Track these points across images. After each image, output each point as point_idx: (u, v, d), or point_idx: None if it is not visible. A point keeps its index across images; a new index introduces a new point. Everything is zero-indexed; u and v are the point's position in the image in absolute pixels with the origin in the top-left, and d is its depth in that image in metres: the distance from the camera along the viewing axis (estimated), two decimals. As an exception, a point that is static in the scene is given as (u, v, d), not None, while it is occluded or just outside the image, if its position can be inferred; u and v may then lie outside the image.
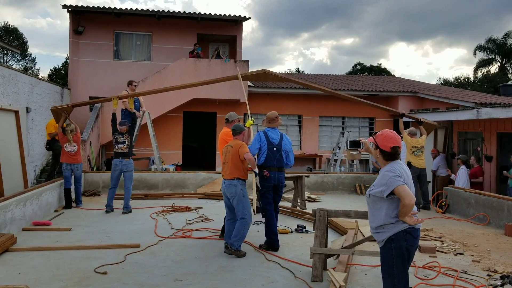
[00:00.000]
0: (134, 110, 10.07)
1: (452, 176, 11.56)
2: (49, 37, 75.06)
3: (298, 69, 53.31)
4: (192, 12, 17.38)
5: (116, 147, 8.92)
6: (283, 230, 7.28)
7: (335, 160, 15.63)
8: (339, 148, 15.88)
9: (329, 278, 4.80)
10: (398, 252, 3.32)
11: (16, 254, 5.81)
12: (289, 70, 51.68)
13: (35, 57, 49.08)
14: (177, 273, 5.19)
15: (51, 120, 10.12)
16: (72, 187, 9.42)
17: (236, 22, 18.11)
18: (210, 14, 17.34)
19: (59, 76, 30.30)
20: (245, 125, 6.70)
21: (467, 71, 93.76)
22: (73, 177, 9.39)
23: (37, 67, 39.69)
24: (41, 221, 7.70)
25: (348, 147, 3.89)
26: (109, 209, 8.86)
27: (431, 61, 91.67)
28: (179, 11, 17.34)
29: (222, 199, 10.59)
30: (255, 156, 6.35)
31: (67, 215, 8.60)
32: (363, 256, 5.68)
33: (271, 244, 6.25)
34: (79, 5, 16.48)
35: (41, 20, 78.76)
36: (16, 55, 36.28)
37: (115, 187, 9.03)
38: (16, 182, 10.74)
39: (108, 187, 9.54)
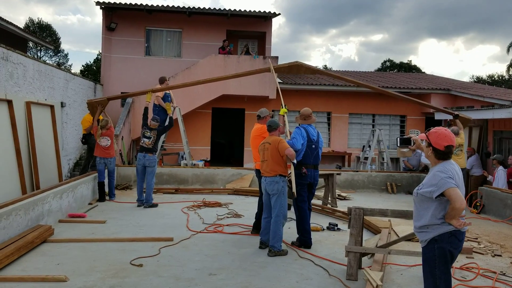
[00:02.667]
0: (171, 115, 10.24)
1: (490, 177, 11.25)
2: (79, 34, 76.74)
3: (325, 65, 52.95)
4: (222, 9, 17.42)
5: (142, 141, 9.07)
6: (315, 228, 7.23)
7: (366, 158, 15.42)
8: (369, 147, 15.65)
9: (365, 277, 4.73)
10: (440, 253, 3.23)
11: (54, 245, 5.95)
12: (316, 66, 51.36)
13: (67, 53, 50.22)
14: (211, 267, 5.22)
15: (86, 115, 10.34)
16: (106, 181, 9.60)
17: (265, 18, 18.06)
18: (240, 10, 17.35)
19: (90, 72, 30.94)
20: (279, 113, 6.74)
21: (500, 69, 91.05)
22: (106, 170, 9.57)
23: (69, 63, 40.49)
24: (77, 213, 7.87)
25: (399, 145, 3.80)
26: (140, 202, 9.01)
27: (463, 58, 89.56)
28: (209, 8, 17.42)
29: (251, 195, 10.76)
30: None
31: (101, 208, 8.77)
32: (398, 256, 5.60)
33: (304, 241, 6.21)
34: (112, 2, 16.69)
35: (72, 17, 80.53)
36: (49, 51, 37.19)
37: (142, 181, 9.17)
38: (51, 175, 11.00)
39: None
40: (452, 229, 3.22)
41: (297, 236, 6.36)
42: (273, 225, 5.86)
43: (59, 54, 38.59)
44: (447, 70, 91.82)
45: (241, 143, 19.08)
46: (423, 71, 42.14)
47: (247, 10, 17.43)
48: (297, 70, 9.10)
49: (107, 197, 9.56)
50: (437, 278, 3.22)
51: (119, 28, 17.65)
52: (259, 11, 17.53)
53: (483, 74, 55.46)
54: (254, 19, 18.21)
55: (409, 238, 5.74)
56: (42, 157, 10.40)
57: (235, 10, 17.32)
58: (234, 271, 5.10)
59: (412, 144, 3.73)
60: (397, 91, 17.85)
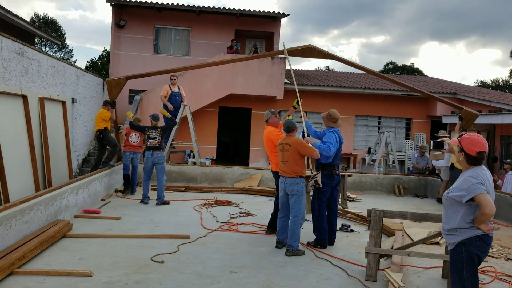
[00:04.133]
0: (170, 116, 10.43)
1: (499, 182, 11.33)
2: (81, 29, 76.59)
3: (327, 66, 52.83)
4: (231, 8, 17.49)
5: (148, 142, 9.22)
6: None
7: (373, 160, 15.50)
8: (377, 148, 15.74)
9: (385, 278, 4.81)
10: (468, 256, 3.30)
11: (73, 240, 6.02)
12: (318, 67, 51.30)
13: (72, 49, 50.23)
14: (231, 265, 5.29)
15: (102, 111, 10.34)
16: None
17: (274, 18, 18.14)
18: (249, 10, 17.43)
19: (95, 68, 30.97)
20: (293, 105, 7.08)
21: (501, 73, 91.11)
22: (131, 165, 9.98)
23: (73, 58, 40.54)
24: (92, 209, 7.95)
25: (432, 148, 3.87)
26: (147, 200, 9.09)
27: (464, 61, 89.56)
28: (218, 7, 17.49)
29: (261, 195, 10.85)
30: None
31: (114, 204, 8.85)
32: (413, 258, 5.67)
33: (321, 240, 6.30)
34: (122, -1, 16.79)
35: (74, 12, 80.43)
36: (54, 47, 37.23)
37: (149, 179, 9.27)
38: (62, 171, 11.07)
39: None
40: (480, 233, 3.29)
41: (314, 236, 6.44)
42: (292, 225, 5.93)
43: (63, 50, 38.64)
44: (448, 73, 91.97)
45: (247, 142, 19.17)
46: (424, 74, 42.25)
47: (257, 10, 17.50)
48: (310, 53, 9.20)
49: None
50: (464, 280, 3.29)
51: (128, 26, 17.72)
52: (268, 11, 17.61)
53: (487, 78, 55.50)
54: (262, 19, 18.28)
55: (428, 240, 5.80)
56: (53, 153, 10.47)
57: (244, 10, 17.40)
58: (254, 269, 5.17)
59: (445, 148, 3.79)
60: (404, 94, 17.98)
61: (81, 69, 14.01)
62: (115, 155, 10.59)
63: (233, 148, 22.75)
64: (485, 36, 79.02)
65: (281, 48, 9.53)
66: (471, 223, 3.30)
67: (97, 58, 34.26)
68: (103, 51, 35.06)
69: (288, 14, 17.85)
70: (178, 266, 5.15)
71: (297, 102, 7.19)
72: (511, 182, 10.29)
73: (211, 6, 17.43)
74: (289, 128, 6.19)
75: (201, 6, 17.41)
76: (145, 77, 16.98)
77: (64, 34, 38.61)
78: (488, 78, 54.40)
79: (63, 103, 11.54)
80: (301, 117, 7.04)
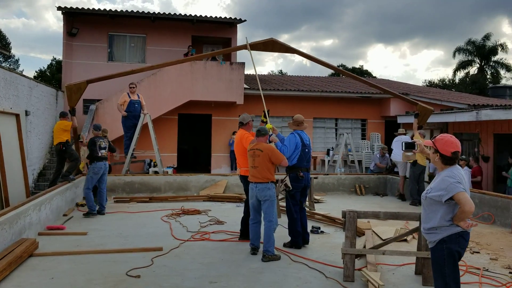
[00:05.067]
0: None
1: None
2: (24, 38, 73.53)
3: (281, 70, 53.38)
4: (187, 14, 17.37)
5: (100, 153, 9.00)
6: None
7: (334, 161, 15.82)
8: (332, 149, 16.09)
9: (363, 278, 4.93)
10: (449, 253, 3.44)
11: (42, 259, 5.77)
12: (271, 71, 51.63)
13: (18, 58, 48.12)
14: (209, 275, 5.24)
15: (60, 123, 9.95)
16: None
17: (231, 24, 18.18)
18: (205, 16, 17.37)
19: (44, 78, 29.80)
20: (262, 119, 7.18)
21: (444, 73, 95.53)
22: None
23: (20, 68, 38.81)
24: (55, 225, 7.65)
25: (404, 149, 4.00)
26: (95, 211, 8.84)
27: (408, 62, 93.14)
28: (174, 13, 17.33)
29: (227, 201, 10.81)
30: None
31: (77, 219, 8.56)
32: (385, 256, 5.83)
33: (295, 242, 6.43)
34: (74, 7, 16.27)
35: (16, 20, 77.15)
36: (0, 57, 35.51)
37: (93, 190, 9.02)
38: (18, 187, 10.58)
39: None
40: (459, 230, 3.44)
41: (288, 238, 6.55)
42: (267, 230, 5.96)
43: (9, 60, 36.90)
44: (394, 74, 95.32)
45: (207, 149, 19.05)
46: (373, 75, 43.58)
47: (213, 16, 17.49)
48: (272, 47, 9.35)
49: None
50: (446, 276, 3.43)
51: (80, 34, 17.22)
52: (225, 18, 17.64)
53: (434, 78, 57.98)
54: (219, 25, 18.28)
55: (400, 238, 5.99)
56: (9, 168, 9.98)
57: (200, 16, 17.32)
58: (234, 278, 5.15)
59: (416, 148, 3.93)
60: (359, 96, 18.48)
61: (33, 80, 13.47)
62: (76, 169, 10.23)
63: (193, 155, 22.53)
64: (427, 37, 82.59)
65: (242, 45, 9.58)
66: (450, 221, 3.45)
67: (45, 67, 33.00)
68: (52, 60, 33.74)
69: (245, 20, 17.94)
70: (155, 280, 5.05)
71: (265, 116, 7.27)
72: (466, 177, 10.81)
73: (167, 13, 17.18)
74: (260, 133, 6.23)
75: (156, 12, 17.19)
76: (101, 86, 16.63)
77: (10, 43, 36.93)
78: (435, 78, 56.82)
79: (17, 116, 11.05)
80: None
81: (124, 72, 10.12)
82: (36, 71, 34.08)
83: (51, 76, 30.16)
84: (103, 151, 9.05)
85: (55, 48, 76.74)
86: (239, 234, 7.13)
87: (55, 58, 33.29)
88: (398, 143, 11.73)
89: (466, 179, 3.56)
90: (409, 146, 3.93)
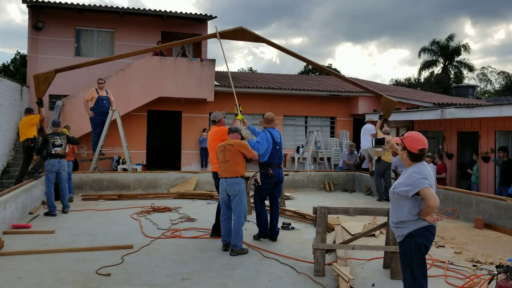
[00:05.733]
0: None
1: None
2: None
3: (251, 68, 53.48)
4: (157, 10, 17.16)
5: (53, 150, 8.63)
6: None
7: (304, 159, 15.99)
8: (302, 147, 16.26)
9: (334, 272, 5.03)
10: (416, 247, 3.57)
11: (7, 258, 5.62)
12: (241, 69, 51.63)
13: (-23, 52, 46.32)
14: (182, 272, 5.24)
15: (26, 118, 9.65)
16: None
17: (201, 20, 18.07)
18: (176, 12, 17.21)
19: (8, 73, 28.80)
20: (237, 118, 7.25)
21: (409, 72, 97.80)
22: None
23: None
24: (21, 224, 7.47)
25: (373, 145, 4.10)
26: (55, 211, 8.53)
27: (376, 61, 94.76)
28: (144, 8, 17.09)
29: (198, 199, 10.78)
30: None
31: (43, 217, 8.36)
32: (354, 251, 5.96)
33: (263, 232, 6.78)
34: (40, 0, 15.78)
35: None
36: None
37: (53, 188, 8.69)
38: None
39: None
40: (426, 224, 3.57)
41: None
42: (235, 225, 6.05)
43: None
44: (362, 72, 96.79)
45: (176, 146, 18.90)
46: (341, 73, 44.18)
47: (183, 12, 17.33)
48: (241, 35, 9.48)
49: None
50: (414, 269, 3.55)
51: (46, 27, 16.75)
52: (195, 14, 17.53)
53: (400, 77, 59.20)
54: (189, 21, 18.14)
55: (369, 233, 6.13)
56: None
57: (170, 11, 17.14)
58: (206, 275, 5.16)
59: (385, 144, 4.05)
60: (328, 94, 18.73)
61: (-4, 74, 13.03)
62: (42, 166, 9.97)
63: (162, 152, 22.30)
64: (394, 37, 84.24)
65: (212, 33, 9.62)
66: (417, 216, 3.57)
67: (9, 62, 31.87)
68: (16, 55, 32.65)
69: (216, 17, 17.87)
70: (126, 278, 5.00)
71: (237, 109, 7.40)
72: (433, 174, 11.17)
73: (136, 8, 16.91)
74: (231, 130, 6.38)
75: (125, 7, 16.89)
76: (68, 81, 16.29)
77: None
78: (402, 77, 58.03)
79: (-21, 111, 10.68)
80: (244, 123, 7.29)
81: (94, 61, 10.05)
82: (-1, 66, 32.84)
83: (15, 70, 29.18)
84: (57, 148, 8.67)
85: (18, 41, 74.05)
86: (210, 230, 7.15)
87: (19, 52, 32.23)
88: (364, 131, 12.06)
89: (432, 175, 3.69)
90: (379, 142, 4.05)
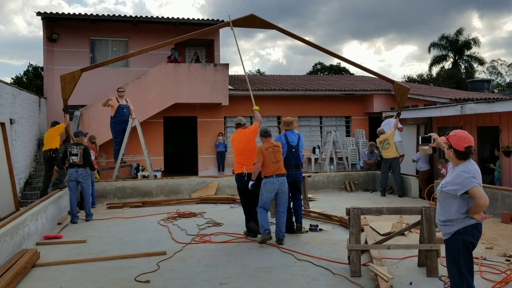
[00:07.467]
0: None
1: (443, 170, 12.13)
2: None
3: (258, 70, 53.40)
4: (169, 17, 17.30)
5: (71, 160, 8.87)
6: (300, 231, 7.48)
7: (323, 159, 15.99)
8: (318, 147, 16.26)
9: (371, 272, 5.04)
10: (464, 244, 3.59)
11: (45, 269, 5.71)
12: (250, 71, 51.60)
13: (-10, 65, 46.95)
14: (218, 277, 5.28)
15: (53, 129, 9.78)
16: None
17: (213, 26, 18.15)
18: (188, 18, 17.34)
19: (22, 85, 29.19)
20: (254, 108, 7.67)
21: (418, 68, 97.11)
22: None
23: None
24: (52, 235, 7.57)
25: (420, 143, 4.13)
26: (76, 219, 8.77)
27: (383, 58, 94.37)
28: (156, 16, 17.26)
29: (221, 203, 10.83)
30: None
31: (73, 227, 8.48)
32: (385, 250, 5.96)
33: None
34: (54, 12, 16.01)
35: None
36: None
37: (74, 197, 8.91)
38: (6, 198, 10.37)
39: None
40: (474, 222, 3.60)
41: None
42: (283, 218, 6.75)
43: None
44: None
45: (192, 151, 19.00)
46: (351, 72, 44.02)
47: (196, 19, 17.47)
48: (253, 22, 9.89)
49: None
50: (461, 266, 3.57)
51: (61, 39, 17.00)
52: (207, 19, 17.65)
53: (412, 73, 58.86)
54: (201, 27, 18.17)
55: (404, 231, 6.15)
56: (-3, 178, 9.82)
57: (183, 18, 17.29)
58: (243, 279, 5.20)
59: (432, 142, 4.08)
60: (343, 93, 18.70)
61: (17, 87, 13.23)
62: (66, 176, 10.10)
63: (178, 158, 22.44)
64: (401, 33, 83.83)
65: (225, 22, 9.86)
66: (465, 214, 3.60)
67: (21, 74, 32.28)
68: (28, 67, 33.05)
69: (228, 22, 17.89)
70: (165, 284, 5.06)
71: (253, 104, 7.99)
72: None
73: (149, 16, 17.07)
74: (267, 133, 6.91)
75: (138, 16, 17.06)
76: (84, 91, 16.47)
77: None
78: (413, 73, 57.73)
79: (2, 124, 10.83)
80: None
81: (119, 57, 10.78)
82: (12, 78, 33.26)
83: (28, 82, 29.55)
84: (74, 157, 8.86)
85: (26, 53, 74.91)
86: (238, 235, 7.25)
87: (31, 64, 32.64)
88: (386, 126, 12.23)
89: (479, 173, 3.70)
90: (425, 140, 4.09)
